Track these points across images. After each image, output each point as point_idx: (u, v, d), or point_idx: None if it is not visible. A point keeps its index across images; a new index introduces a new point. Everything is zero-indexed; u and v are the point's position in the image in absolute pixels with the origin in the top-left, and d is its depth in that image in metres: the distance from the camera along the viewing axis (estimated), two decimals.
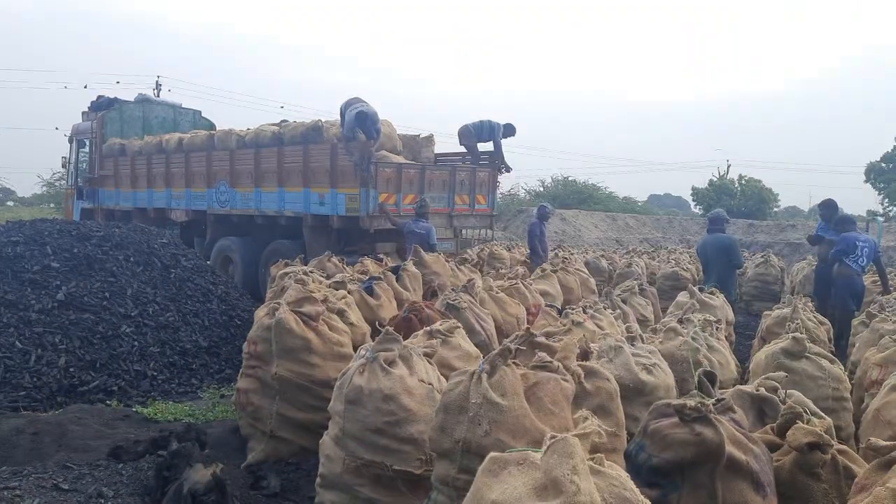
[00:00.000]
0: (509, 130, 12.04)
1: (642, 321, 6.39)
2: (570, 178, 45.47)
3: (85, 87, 58.41)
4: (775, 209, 42.90)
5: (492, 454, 2.07)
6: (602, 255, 13.93)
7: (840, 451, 2.57)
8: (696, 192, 43.40)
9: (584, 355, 3.53)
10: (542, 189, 46.34)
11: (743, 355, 6.82)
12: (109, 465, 3.75)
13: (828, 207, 9.16)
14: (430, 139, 12.65)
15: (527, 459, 1.98)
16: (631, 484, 1.91)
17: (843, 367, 4.16)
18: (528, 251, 12.49)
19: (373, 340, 4.81)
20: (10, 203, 50.68)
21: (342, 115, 10.28)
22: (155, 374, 6.47)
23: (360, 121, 9.99)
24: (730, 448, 2.29)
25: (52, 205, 37.90)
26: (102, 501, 3.20)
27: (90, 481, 3.44)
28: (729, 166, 46.05)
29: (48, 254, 7.15)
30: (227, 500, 3.08)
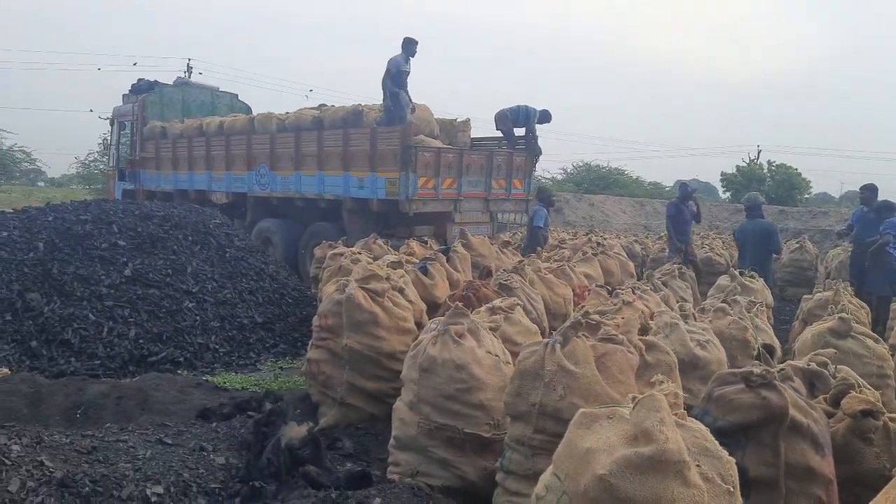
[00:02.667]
0: (545, 117, 12.19)
1: (683, 303, 6.61)
2: (593, 164, 45.43)
3: (134, 64, 59.10)
4: (806, 196, 42.41)
5: (582, 410, 2.34)
6: (635, 240, 14.09)
7: (891, 419, 2.81)
8: (725, 178, 43.06)
9: (644, 330, 3.79)
10: (563, 175, 46.37)
11: (780, 338, 7.01)
12: (202, 425, 4.08)
13: (870, 191, 9.26)
14: (466, 123, 12.86)
15: (616, 414, 2.25)
16: (711, 437, 2.17)
17: (886, 346, 4.38)
18: (667, 234, 11.30)
19: (429, 318, 5.12)
20: (40, 183, 51.54)
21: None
22: (217, 346, 6.84)
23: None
24: (792, 411, 2.54)
25: (87, 186, 38.60)
26: (205, 454, 3.52)
27: (189, 437, 3.77)
28: (759, 152, 45.61)
29: (115, 232, 7.54)
30: (321, 454, 3.39)
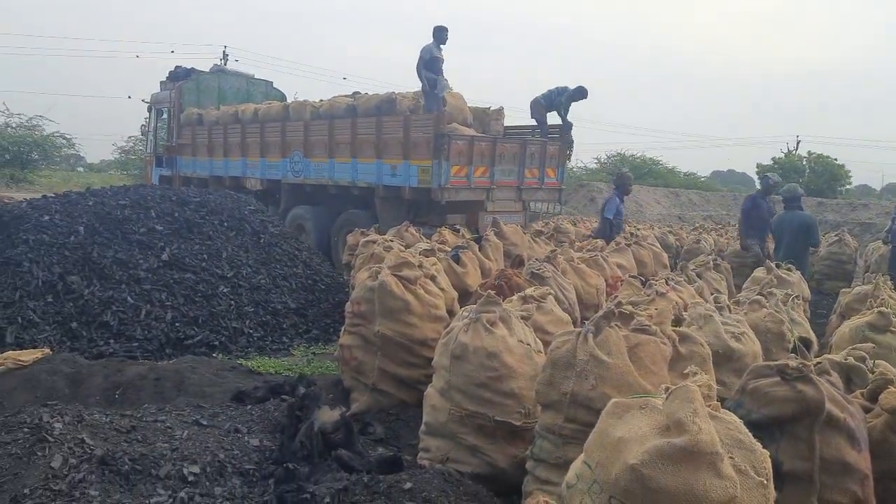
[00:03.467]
0: (580, 93, 11.89)
1: (718, 295, 6.54)
2: (627, 154, 44.94)
3: (172, 51, 59.79)
4: (846, 187, 41.50)
5: (614, 399, 2.34)
6: (669, 231, 13.94)
7: None
8: (761, 169, 42.35)
9: (678, 322, 3.76)
10: (597, 165, 45.95)
11: (816, 332, 6.90)
12: (237, 407, 4.16)
13: None
14: (499, 112, 12.79)
15: (648, 404, 2.25)
16: (744, 428, 2.16)
17: None
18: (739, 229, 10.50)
19: (460, 306, 5.14)
20: (80, 169, 52.42)
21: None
22: (251, 331, 6.94)
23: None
24: (828, 405, 2.51)
25: (125, 172, 39.29)
26: (240, 436, 3.60)
27: (224, 419, 3.86)
28: (799, 142, 44.78)
29: (152, 217, 7.67)
30: (353, 439, 3.44)
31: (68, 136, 38.05)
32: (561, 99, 11.86)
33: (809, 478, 2.45)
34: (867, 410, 2.87)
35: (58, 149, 37.92)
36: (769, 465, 2.07)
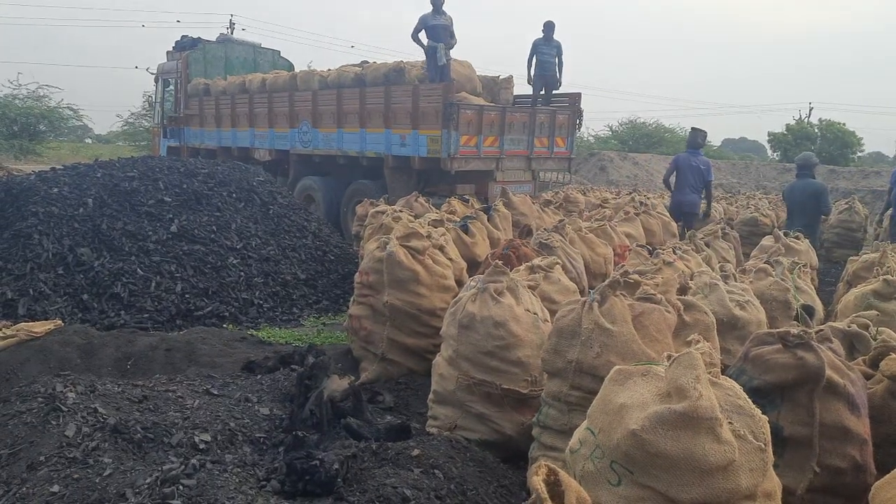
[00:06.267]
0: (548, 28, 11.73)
1: (724, 264, 6.53)
2: (639, 121, 44.58)
3: (178, 21, 59.28)
4: (859, 154, 41.08)
5: (617, 367, 2.37)
6: None
7: None
8: (772, 137, 41.93)
9: (683, 290, 3.77)
10: (609, 133, 45.62)
11: (824, 300, 6.91)
12: (247, 377, 4.22)
13: None
14: (508, 80, 12.69)
15: (650, 371, 2.27)
16: (744, 394, 2.18)
17: None
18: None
19: (469, 276, 5.17)
20: (87, 140, 52.40)
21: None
22: (261, 302, 7.01)
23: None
24: (829, 372, 2.53)
25: (133, 143, 39.31)
26: (250, 405, 3.66)
27: (235, 388, 3.91)
28: (811, 109, 44.41)
29: (160, 189, 7.71)
30: (362, 407, 3.49)
31: (75, 108, 38.07)
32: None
33: (809, 443, 2.48)
34: (869, 377, 2.89)
35: (65, 120, 37.92)
36: (768, 430, 2.10)
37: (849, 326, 3.34)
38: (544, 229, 5.94)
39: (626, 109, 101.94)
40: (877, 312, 3.62)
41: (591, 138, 42.97)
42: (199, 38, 16.63)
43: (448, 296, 4.79)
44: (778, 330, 2.72)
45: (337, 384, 3.45)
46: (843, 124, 39.35)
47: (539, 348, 3.59)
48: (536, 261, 4.54)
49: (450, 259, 5.27)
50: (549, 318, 3.87)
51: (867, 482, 2.43)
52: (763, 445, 2.04)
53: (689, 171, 9.29)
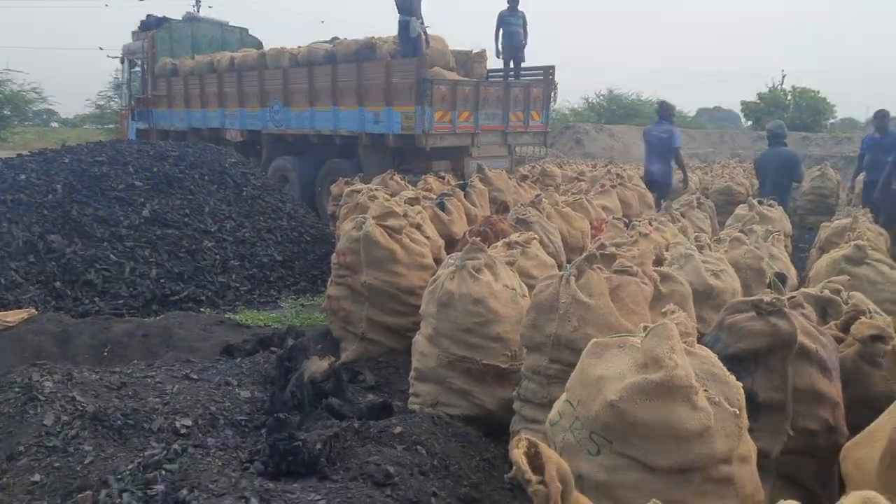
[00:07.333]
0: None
1: (699, 234, 6.61)
2: (615, 93, 44.57)
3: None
4: (831, 121, 41.51)
5: (594, 339, 2.39)
6: None
7: None
8: (745, 106, 42.20)
9: (658, 262, 3.81)
10: (585, 105, 45.60)
11: (798, 266, 7.01)
12: (226, 361, 4.22)
13: (882, 118, 9.17)
14: (482, 55, 12.64)
15: (626, 343, 2.30)
16: (718, 363, 2.22)
17: None
18: None
19: (447, 253, 5.17)
20: (54, 124, 51.26)
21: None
22: (237, 285, 6.97)
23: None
24: (801, 337, 2.57)
25: (101, 126, 38.56)
26: (230, 388, 3.65)
27: (214, 373, 3.91)
28: (784, 76, 44.66)
29: (131, 173, 7.61)
30: (343, 387, 3.50)
31: (39, 90, 37.20)
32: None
33: (783, 407, 2.53)
34: (840, 341, 2.95)
35: (29, 103, 37.09)
36: (742, 396, 2.14)
37: (821, 292, 3.39)
38: (521, 205, 5.95)
39: (603, 81, 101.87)
40: (848, 277, 3.68)
41: (566, 111, 42.91)
42: (165, 16, 16.31)
43: (426, 274, 4.79)
44: (751, 298, 2.76)
45: (317, 365, 3.45)
46: (817, 92, 39.69)
47: (518, 323, 3.61)
48: (514, 236, 4.55)
49: (427, 237, 5.26)
50: (527, 294, 3.89)
51: (839, 443, 2.49)
52: (737, 411, 2.08)
53: (653, 142, 9.45)
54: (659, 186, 9.48)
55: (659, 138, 9.26)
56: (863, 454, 2.12)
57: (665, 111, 9.61)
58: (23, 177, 7.14)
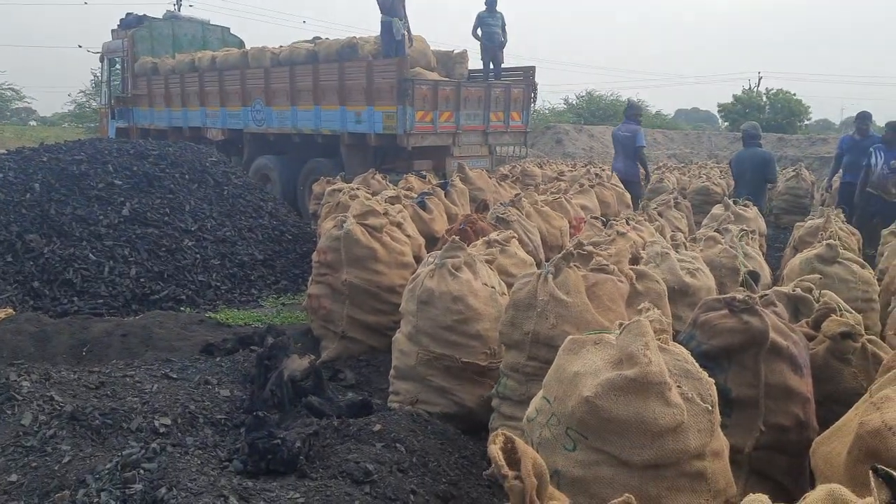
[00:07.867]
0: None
1: (676, 233, 6.69)
2: (595, 93, 44.81)
3: None
4: (806, 122, 42.02)
5: (571, 336, 2.43)
6: None
7: (869, 340, 2.91)
8: (722, 108, 42.63)
9: (635, 260, 3.86)
10: (564, 106, 45.79)
11: (773, 265, 7.12)
12: (206, 360, 4.21)
13: (864, 120, 9.33)
14: (463, 55, 12.67)
15: (602, 340, 2.34)
16: (691, 359, 2.27)
17: (872, 272, 4.47)
18: None
19: (428, 252, 5.20)
20: (32, 122, 50.71)
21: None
22: (218, 284, 6.94)
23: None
24: (773, 335, 2.63)
25: (80, 125, 38.16)
26: (210, 387, 3.65)
27: (194, 372, 3.90)
28: (760, 78, 45.08)
29: (110, 172, 7.54)
30: (323, 385, 3.51)
31: (17, 89, 36.78)
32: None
33: (755, 403, 2.59)
34: (812, 338, 3.01)
35: (7, 101, 36.66)
36: (715, 392, 2.19)
37: (793, 290, 3.46)
38: (501, 204, 5.99)
39: (582, 83, 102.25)
40: (820, 276, 3.76)
41: (546, 112, 43.05)
42: (145, 15, 16.18)
43: (407, 272, 4.82)
44: (724, 296, 2.81)
45: (297, 363, 3.46)
46: (793, 94, 40.17)
47: (497, 321, 3.65)
48: (493, 235, 4.59)
49: (408, 236, 5.29)
50: (506, 292, 3.93)
51: (810, 438, 2.54)
52: (710, 407, 2.12)
53: (619, 142, 9.84)
54: (628, 186, 9.66)
55: (625, 137, 9.59)
56: (831, 449, 2.17)
57: (631, 111, 9.99)
58: (0, 175, 7.06)
